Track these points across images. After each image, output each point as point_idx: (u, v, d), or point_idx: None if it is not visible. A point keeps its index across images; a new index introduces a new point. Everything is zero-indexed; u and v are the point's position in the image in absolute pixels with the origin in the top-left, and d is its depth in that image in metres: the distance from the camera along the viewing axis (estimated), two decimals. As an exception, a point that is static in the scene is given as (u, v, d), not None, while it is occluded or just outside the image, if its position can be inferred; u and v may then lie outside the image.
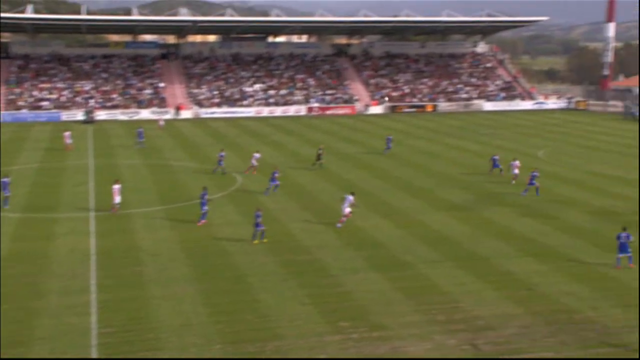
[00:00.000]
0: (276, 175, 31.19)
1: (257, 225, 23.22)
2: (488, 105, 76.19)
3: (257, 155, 35.94)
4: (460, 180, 34.67)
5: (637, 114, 66.03)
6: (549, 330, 16.70)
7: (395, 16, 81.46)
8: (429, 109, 74.10)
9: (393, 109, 73.26)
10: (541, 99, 79.06)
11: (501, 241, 23.87)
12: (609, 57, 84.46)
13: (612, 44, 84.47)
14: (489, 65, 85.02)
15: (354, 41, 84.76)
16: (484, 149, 45.63)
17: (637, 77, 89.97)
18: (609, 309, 18.15)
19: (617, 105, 76.14)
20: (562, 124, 61.64)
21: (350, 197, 25.51)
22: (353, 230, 23.93)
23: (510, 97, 78.58)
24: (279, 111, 68.78)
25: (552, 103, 77.33)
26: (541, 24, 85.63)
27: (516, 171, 33.98)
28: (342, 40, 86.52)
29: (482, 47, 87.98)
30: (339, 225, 25.02)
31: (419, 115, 69.65)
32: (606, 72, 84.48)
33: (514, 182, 33.82)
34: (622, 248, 22.01)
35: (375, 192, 30.90)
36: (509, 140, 50.73)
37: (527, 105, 77.23)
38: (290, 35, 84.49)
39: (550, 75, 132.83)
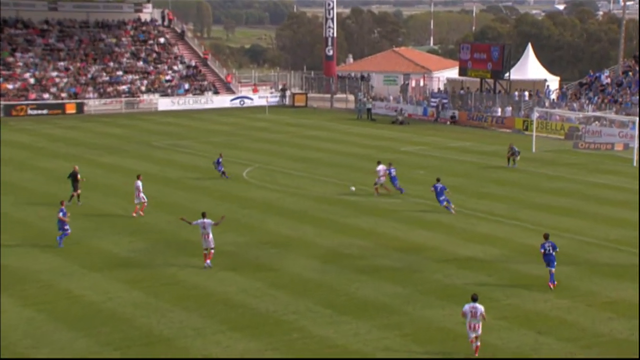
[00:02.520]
0: None
1: None
2: (164, 103, 71.81)
3: None
4: (125, 221, 31.52)
5: (360, 109, 67.45)
6: None
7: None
8: (70, 109, 67.32)
9: (7, 110, 64.77)
10: (244, 92, 77.83)
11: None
12: (333, 31, 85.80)
13: (335, 10, 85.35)
14: (162, 40, 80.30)
15: None
16: (161, 170, 39.93)
17: (369, 60, 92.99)
18: None
19: (348, 100, 78.07)
20: (273, 129, 60.73)
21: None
22: None
23: (198, 90, 75.38)
24: None
25: (260, 97, 76.46)
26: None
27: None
28: None
29: (149, 12, 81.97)
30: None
31: (54, 121, 62.68)
32: (330, 51, 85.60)
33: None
34: (549, 260, 24.60)
35: None
36: (198, 155, 47.52)
37: (223, 101, 75.04)
38: None
39: (255, 56, 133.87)
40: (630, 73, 60.28)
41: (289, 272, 25.48)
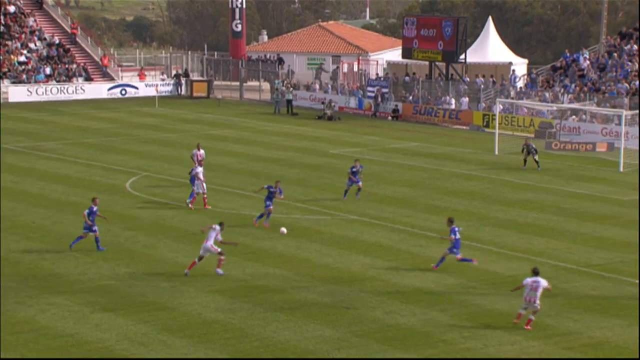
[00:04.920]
0: None
1: None
2: (18, 93, 71.33)
3: None
4: None
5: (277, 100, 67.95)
6: None
7: None
8: None
9: None
10: (127, 78, 77.58)
11: None
12: (242, 1, 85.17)
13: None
14: (12, 9, 79.30)
15: None
16: (15, 182, 39.68)
17: (288, 37, 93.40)
18: None
19: (262, 89, 78.35)
20: (165, 126, 60.60)
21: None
22: None
23: (64, 76, 75.02)
24: None
25: (148, 86, 76.44)
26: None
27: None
28: None
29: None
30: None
31: None
32: (238, 27, 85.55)
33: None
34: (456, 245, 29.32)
35: None
36: (66, 160, 47.33)
37: (98, 90, 74.87)
38: None
39: (140, 32, 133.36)
40: (615, 54, 62.35)
41: (186, 312, 25.31)
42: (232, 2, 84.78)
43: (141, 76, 78.73)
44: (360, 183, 38.44)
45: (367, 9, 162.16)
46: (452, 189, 41.14)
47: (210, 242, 29.30)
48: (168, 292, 27.06)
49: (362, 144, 54.21)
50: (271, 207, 34.00)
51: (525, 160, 46.10)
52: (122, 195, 39.73)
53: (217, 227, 29.76)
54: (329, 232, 33.89)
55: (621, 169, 45.77)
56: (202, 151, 41.08)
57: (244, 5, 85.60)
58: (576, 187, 42.23)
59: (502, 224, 35.08)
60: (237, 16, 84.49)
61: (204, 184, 37.42)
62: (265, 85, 78.28)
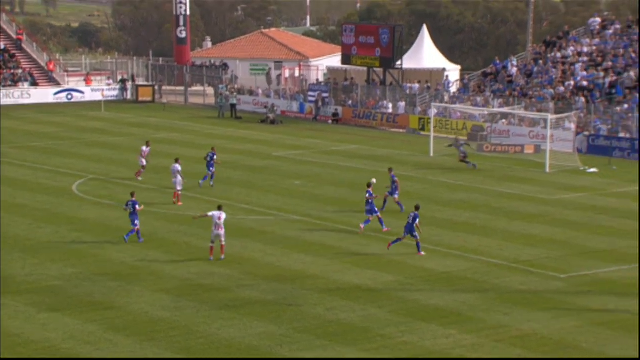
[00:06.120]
0: None
1: None
2: None
3: None
4: None
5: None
6: None
7: None
8: None
9: None
10: (73, 83, 76.55)
11: None
12: (186, 7, 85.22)
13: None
14: None
15: None
16: None
17: (232, 44, 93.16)
18: None
19: (206, 93, 77.81)
20: (111, 130, 60.24)
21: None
22: None
23: (10, 81, 73.43)
24: None
25: (94, 90, 75.30)
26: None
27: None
28: None
29: None
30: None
31: None
32: (183, 33, 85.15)
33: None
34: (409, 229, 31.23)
35: None
36: (12, 164, 46.82)
37: (44, 95, 73.70)
38: None
39: (86, 38, 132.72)
40: (541, 61, 63.33)
41: (132, 311, 25.13)
42: (176, 9, 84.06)
43: (87, 81, 77.67)
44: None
45: (308, 17, 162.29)
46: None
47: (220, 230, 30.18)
48: (115, 291, 26.85)
49: (303, 147, 54.29)
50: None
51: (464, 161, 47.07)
52: (69, 197, 39.30)
53: (216, 213, 30.31)
54: (273, 232, 33.89)
55: (547, 170, 46.36)
56: (148, 148, 43.16)
57: (188, 13, 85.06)
58: (506, 187, 42.76)
59: (438, 223, 35.43)
60: (182, 23, 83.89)
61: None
62: (210, 90, 77.80)
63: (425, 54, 73.16)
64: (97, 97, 73.42)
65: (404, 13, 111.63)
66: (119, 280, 27.69)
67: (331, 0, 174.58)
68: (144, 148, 43.61)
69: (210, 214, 30.34)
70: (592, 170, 46.75)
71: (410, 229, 30.91)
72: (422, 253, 30.84)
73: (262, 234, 33.39)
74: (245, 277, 28.26)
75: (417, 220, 30.90)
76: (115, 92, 76.80)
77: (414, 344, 23.00)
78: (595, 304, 26.12)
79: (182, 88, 78.63)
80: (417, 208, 31.27)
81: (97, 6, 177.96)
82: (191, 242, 32.04)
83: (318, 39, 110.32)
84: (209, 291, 26.87)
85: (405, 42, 69.45)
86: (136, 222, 32.15)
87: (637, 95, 53.87)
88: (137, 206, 32.04)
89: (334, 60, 77.74)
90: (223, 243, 29.97)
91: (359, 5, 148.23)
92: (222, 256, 29.91)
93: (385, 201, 36.51)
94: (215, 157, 42.21)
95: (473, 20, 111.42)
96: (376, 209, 33.96)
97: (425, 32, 75.13)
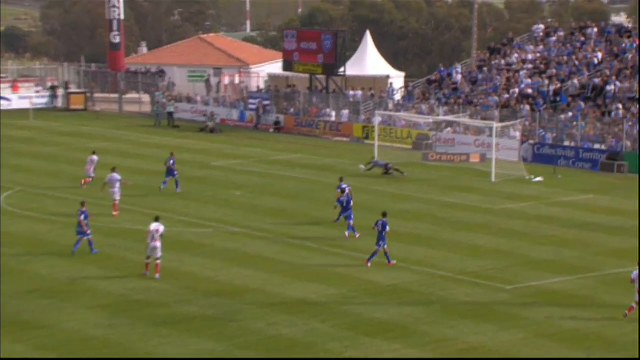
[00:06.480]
0: None
1: None
2: None
3: None
4: None
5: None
6: None
7: None
8: None
9: None
10: None
11: None
12: (120, 11, 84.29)
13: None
14: None
15: None
16: None
17: (169, 49, 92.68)
18: None
19: (142, 101, 77.14)
20: (41, 139, 59.47)
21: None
22: None
23: None
24: None
25: (22, 98, 74.20)
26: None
27: None
28: None
29: None
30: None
31: None
32: (117, 38, 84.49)
33: None
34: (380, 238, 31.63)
35: None
36: None
37: None
38: None
39: (12, 42, 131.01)
40: (485, 68, 64.22)
41: (64, 329, 24.86)
42: (109, 13, 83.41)
43: (14, 88, 76.49)
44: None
45: (248, 22, 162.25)
46: (333, 201, 41.24)
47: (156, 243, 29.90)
48: (45, 309, 26.52)
49: (244, 156, 54.27)
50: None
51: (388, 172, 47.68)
52: (-3, 210, 38.94)
53: (154, 225, 30.22)
54: (211, 245, 33.82)
55: (493, 179, 46.92)
56: (95, 157, 43.83)
57: (122, 17, 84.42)
58: (451, 197, 43.22)
59: (381, 234, 35.77)
60: (115, 27, 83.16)
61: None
62: (146, 98, 77.20)
63: (369, 61, 73.56)
64: (25, 105, 72.43)
65: (347, 18, 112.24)
66: (50, 297, 27.38)
67: (272, 3, 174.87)
68: (95, 157, 43.78)
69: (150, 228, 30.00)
70: (538, 179, 47.52)
71: (382, 239, 31.07)
72: (393, 262, 31.17)
73: (201, 247, 33.29)
74: (183, 292, 28.16)
75: (387, 227, 31.02)
76: (45, 100, 75.94)
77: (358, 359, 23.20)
78: (540, 315, 26.58)
79: (117, 95, 77.98)
80: (384, 215, 31.37)
81: (24, 9, 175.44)
82: (127, 257, 31.80)
83: (259, 44, 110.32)
84: (146, 307, 26.70)
85: (348, 48, 69.84)
86: (88, 232, 31.99)
87: (581, 103, 55.15)
88: (88, 215, 31.95)
89: (275, 67, 77.78)
90: (158, 261, 29.67)
91: (300, 10, 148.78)
92: (157, 275, 29.57)
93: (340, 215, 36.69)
94: (173, 162, 42.91)
95: (417, 26, 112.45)
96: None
97: (368, 38, 75.60)
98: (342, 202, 35.85)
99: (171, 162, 42.94)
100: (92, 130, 64.41)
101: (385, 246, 31.83)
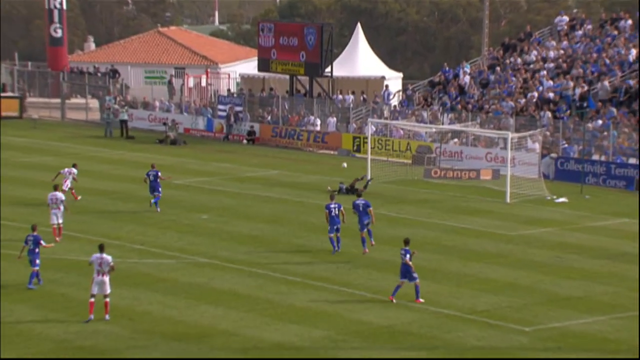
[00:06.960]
0: None
1: None
2: None
3: None
4: None
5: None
6: None
7: None
8: None
9: None
10: None
11: None
12: (61, 1, 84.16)
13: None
14: None
15: None
16: None
17: (121, 45, 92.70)
18: None
19: (89, 107, 77.71)
20: None
21: None
22: None
23: None
24: None
25: None
26: None
27: None
28: None
29: None
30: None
31: None
32: (58, 32, 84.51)
33: None
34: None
35: None
36: None
37: None
38: None
39: None
40: (499, 68, 64.37)
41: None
42: (49, 1, 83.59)
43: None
44: None
45: (216, 13, 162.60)
46: (318, 225, 41.53)
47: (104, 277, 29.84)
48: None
49: (212, 173, 54.50)
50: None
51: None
52: None
53: (96, 257, 29.95)
54: (173, 279, 33.88)
55: (508, 200, 47.20)
56: (74, 170, 45.15)
57: (65, 6, 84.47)
58: (459, 221, 43.44)
59: (377, 264, 35.78)
60: (57, 19, 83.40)
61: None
62: (94, 103, 77.77)
63: (361, 59, 73.85)
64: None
65: (334, 9, 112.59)
66: (-22, 341, 27.36)
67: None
68: (74, 170, 45.18)
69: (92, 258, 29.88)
70: (561, 200, 47.93)
71: (407, 269, 31.30)
72: (421, 300, 31.22)
73: (161, 282, 33.31)
74: (138, 336, 28.16)
75: (409, 256, 31.10)
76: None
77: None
78: (566, 362, 26.65)
79: (58, 100, 78.60)
80: (406, 242, 31.61)
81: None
82: (69, 294, 31.77)
83: (229, 40, 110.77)
84: (92, 354, 26.71)
85: (336, 44, 70.12)
86: (37, 261, 32.13)
87: (613, 109, 55.39)
88: (41, 242, 32.13)
89: (249, 67, 78.03)
90: (107, 298, 29.58)
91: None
92: (107, 316, 29.51)
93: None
94: (159, 174, 43.77)
95: (417, 18, 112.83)
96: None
97: (359, 32, 75.88)
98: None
99: (153, 175, 43.73)
100: (28, 141, 64.83)
101: (417, 280, 31.79)
